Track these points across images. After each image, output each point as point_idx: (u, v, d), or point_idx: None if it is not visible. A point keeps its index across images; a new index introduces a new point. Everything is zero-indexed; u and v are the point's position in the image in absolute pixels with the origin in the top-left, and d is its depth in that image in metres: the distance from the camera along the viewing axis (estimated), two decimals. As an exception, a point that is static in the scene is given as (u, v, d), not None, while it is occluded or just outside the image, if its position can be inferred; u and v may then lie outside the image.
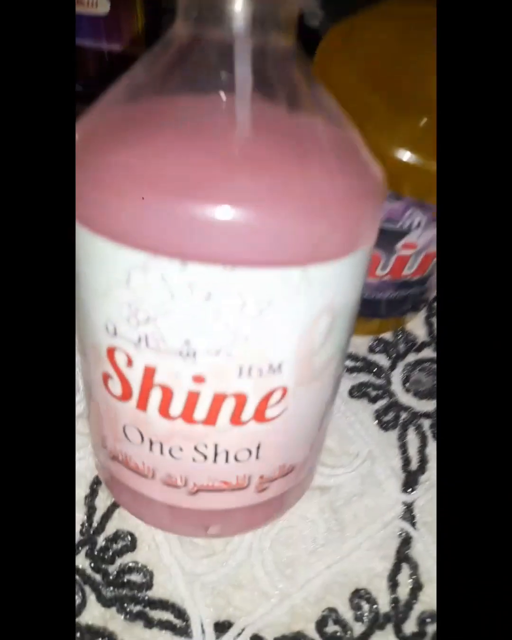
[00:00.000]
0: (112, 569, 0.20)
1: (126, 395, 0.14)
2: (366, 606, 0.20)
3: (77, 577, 0.20)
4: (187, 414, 0.14)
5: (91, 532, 0.20)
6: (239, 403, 0.14)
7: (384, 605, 0.20)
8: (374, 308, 0.22)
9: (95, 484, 0.21)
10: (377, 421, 0.24)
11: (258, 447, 0.15)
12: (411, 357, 0.26)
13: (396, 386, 0.25)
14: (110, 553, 0.20)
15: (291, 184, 0.11)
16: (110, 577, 0.20)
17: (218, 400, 0.13)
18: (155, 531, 0.20)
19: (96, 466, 0.20)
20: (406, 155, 0.16)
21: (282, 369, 0.13)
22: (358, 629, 0.19)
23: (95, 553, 0.20)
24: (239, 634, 0.19)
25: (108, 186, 0.11)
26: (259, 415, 0.14)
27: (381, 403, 0.24)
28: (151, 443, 0.15)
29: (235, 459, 0.15)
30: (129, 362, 0.13)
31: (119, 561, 0.20)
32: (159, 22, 0.29)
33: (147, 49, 0.13)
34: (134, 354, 0.13)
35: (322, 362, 0.14)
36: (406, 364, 0.25)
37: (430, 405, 0.24)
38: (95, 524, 0.21)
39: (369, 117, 0.15)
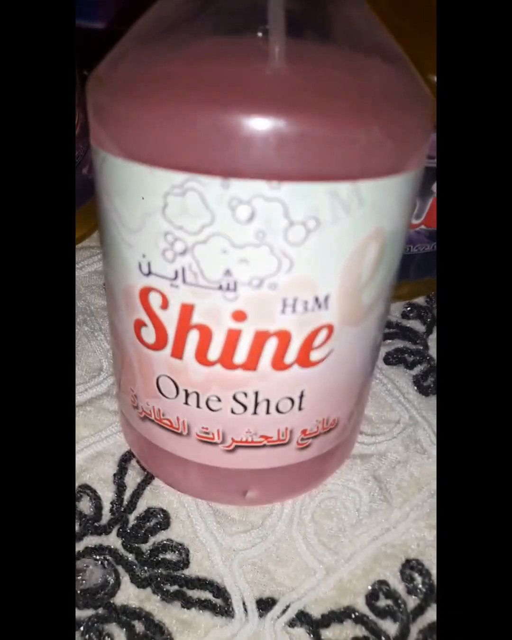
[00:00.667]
0: (146, 547, 0.19)
1: (161, 342, 0.14)
2: (418, 578, 0.19)
3: (109, 557, 0.19)
4: (226, 358, 0.13)
5: (122, 510, 0.20)
6: (282, 343, 0.13)
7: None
8: (407, 265, 0.21)
9: (124, 461, 0.21)
10: (416, 387, 0.23)
11: (301, 396, 0.14)
12: None
13: (434, 351, 0.24)
14: (143, 531, 0.19)
15: (340, 90, 0.10)
16: (144, 557, 0.19)
17: (260, 340, 0.13)
18: (189, 507, 0.20)
19: (126, 439, 0.20)
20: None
21: (329, 303, 0.13)
22: (412, 602, 0.19)
23: (128, 532, 0.19)
24: (284, 611, 0.18)
25: (139, 100, 0.11)
26: (303, 358, 0.13)
27: (419, 368, 0.24)
28: (186, 394, 0.14)
29: (277, 409, 0.14)
30: (164, 304, 0.13)
31: (152, 539, 0.19)
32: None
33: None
34: (170, 292, 0.13)
35: (370, 299, 0.13)
36: None
37: None
38: (125, 502, 0.20)
39: (403, 42, 0.14)
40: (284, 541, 0.19)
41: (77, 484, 0.20)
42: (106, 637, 0.17)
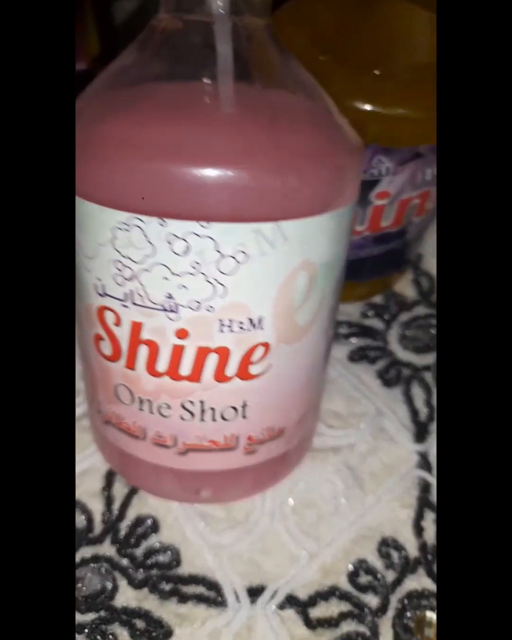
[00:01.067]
0: (139, 552, 0.21)
1: (116, 354, 0.15)
2: (395, 554, 0.21)
3: (105, 564, 0.21)
4: (173, 370, 0.15)
5: (113, 520, 0.21)
6: (222, 358, 0.15)
7: (412, 550, 0.21)
8: (358, 269, 0.23)
9: (110, 475, 0.22)
10: (380, 380, 0.25)
11: (244, 406, 0.16)
12: (404, 317, 0.27)
13: (394, 345, 0.26)
14: (135, 538, 0.21)
15: (260, 142, 0.12)
16: (138, 561, 0.21)
17: (201, 355, 0.15)
18: (176, 511, 0.21)
19: (95, 442, 0.21)
20: (366, 105, 0.17)
21: (263, 324, 0.14)
22: (390, 575, 0.20)
23: (120, 539, 0.21)
24: (273, 596, 0.20)
25: (93, 155, 0.13)
26: (243, 371, 0.15)
27: (382, 363, 0.26)
28: (141, 401, 0.16)
29: (222, 417, 0.16)
30: (117, 321, 0.15)
31: (144, 544, 0.21)
32: (114, 44, 0.30)
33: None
34: (122, 311, 0.14)
35: (305, 321, 0.15)
36: (401, 323, 0.27)
37: (430, 358, 0.26)
38: (115, 512, 0.21)
39: (322, 76, 0.16)
40: (268, 533, 0.21)
41: None
42: (110, 636, 0.19)
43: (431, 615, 0.20)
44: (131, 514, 0.21)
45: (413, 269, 0.29)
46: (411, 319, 0.27)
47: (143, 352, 0.15)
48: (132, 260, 0.13)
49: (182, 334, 0.14)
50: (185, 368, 0.15)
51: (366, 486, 0.22)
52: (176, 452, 0.17)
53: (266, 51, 0.13)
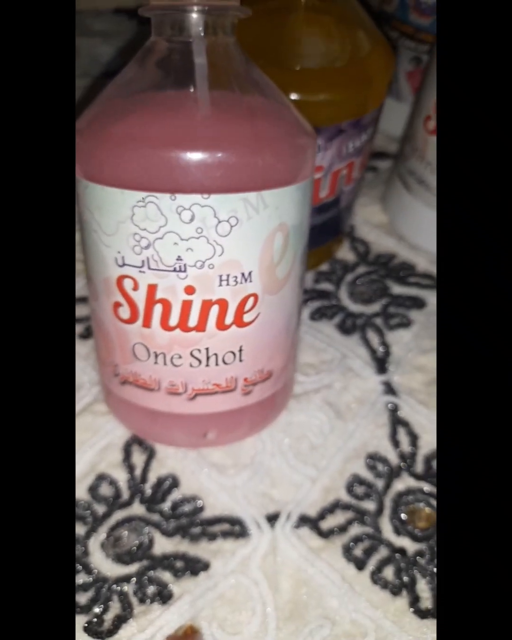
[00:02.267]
0: (166, 506, 0.24)
1: (134, 316, 0.20)
2: (380, 465, 0.26)
3: (139, 522, 0.24)
4: (183, 323, 0.19)
5: (137, 483, 0.25)
6: (222, 309, 0.19)
7: (393, 459, 0.26)
8: None
9: (128, 446, 0.26)
10: (339, 331, 0.31)
11: (240, 350, 0.20)
12: (349, 277, 0.34)
13: (345, 301, 0.33)
14: (160, 494, 0.25)
15: (242, 133, 0.17)
16: (167, 514, 0.24)
17: (206, 307, 0.19)
18: (191, 466, 0.25)
19: (109, 407, 0.25)
20: (293, 95, 0.23)
21: (252, 277, 0.19)
22: (380, 483, 0.26)
23: (147, 498, 0.25)
24: (288, 519, 0.24)
25: (114, 149, 0.17)
26: (238, 319, 0.20)
27: (338, 317, 0.32)
28: (156, 355, 0.20)
29: (223, 361, 0.20)
30: (135, 286, 0.19)
31: (169, 498, 0.25)
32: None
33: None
34: (139, 277, 0.19)
35: (283, 274, 0.20)
36: (347, 283, 0.33)
37: (375, 307, 0.33)
38: (138, 477, 0.25)
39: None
40: (272, 469, 0.26)
41: (93, 476, 0.25)
42: (155, 580, 0.22)
43: (420, 507, 0.25)
44: (152, 477, 0.25)
45: (349, 238, 0.36)
46: (355, 278, 0.34)
47: (158, 310, 0.19)
48: (148, 231, 0.18)
49: (189, 290, 0.19)
50: (193, 320, 0.19)
51: (345, 416, 0.28)
52: (186, 398, 0.21)
53: (236, 62, 0.18)
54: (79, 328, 0.30)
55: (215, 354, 0.20)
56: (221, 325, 0.20)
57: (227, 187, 0.17)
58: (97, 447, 0.26)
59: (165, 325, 0.19)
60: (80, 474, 0.25)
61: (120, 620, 0.22)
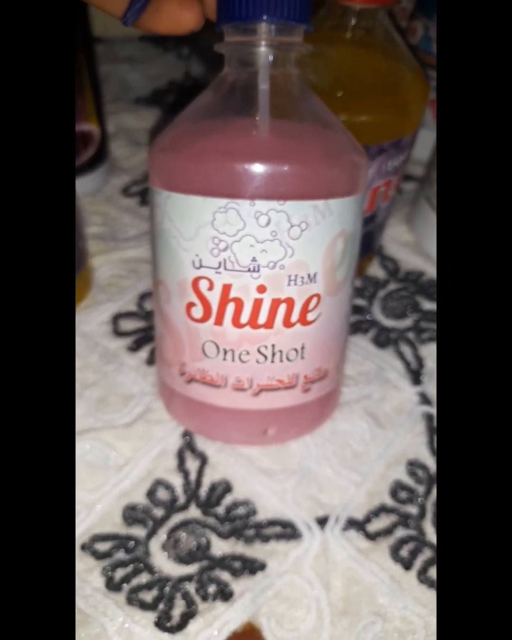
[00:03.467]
0: (220, 510, 0.27)
1: (207, 315, 0.22)
2: (420, 471, 0.28)
3: (196, 525, 0.26)
4: (253, 320, 0.22)
5: (193, 488, 0.27)
6: (289, 307, 0.22)
7: (432, 465, 0.29)
8: None
9: (181, 453, 0.28)
10: (374, 344, 0.34)
11: (302, 348, 0.23)
12: (381, 293, 0.37)
13: (378, 316, 0.35)
14: (214, 499, 0.27)
15: (313, 149, 0.20)
16: (221, 517, 0.26)
17: (275, 305, 0.21)
18: (243, 471, 0.27)
19: (168, 409, 0.28)
20: (342, 116, 0.26)
21: (317, 279, 0.22)
22: (421, 488, 0.28)
23: (203, 502, 0.27)
24: (336, 522, 0.26)
25: (202, 162, 0.20)
26: (303, 318, 0.22)
27: (373, 332, 0.35)
28: (225, 352, 0.22)
29: (287, 358, 0.23)
30: (210, 286, 0.21)
31: (223, 503, 0.27)
32: (100, 98, 0.39)
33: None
34: (215, 277, 0.21)
35: (342, 277, 0.22)
36: (380, 299, 0.36)
37: (408, 322, 0.35)
38: (193, 483, 0.27)
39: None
40: (319, 474, 0.28)
41: (150, 481, 0.27)
42: (215, 579, 0.24)
43: None
44: (206, 482, 0.27)
45: (378, 256, 0.39)
46: (387, 294, 0.37)
47: (230, 308, 0.22)
48: (227, 235, 0.20)
49: (261, 289, 0.21)
50: (262, 317, 0.22)
51: (384, 424, 0.30)
52: (251, 394, 0.23)
53: (300, 90, 0.21)
54: (127, 341, 0.33)
55: (280, 351, 0.23)
56: (287, 323, 0.22)
57: (300, 194, 0.20)
58: (152, 454, 0.28)
59: (236, 322, 0.22)
60: (137, 479, 0.27)
61: (187, 617, 0.23)
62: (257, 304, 0.21)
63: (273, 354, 0.23)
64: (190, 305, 0.22)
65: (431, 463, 0.28)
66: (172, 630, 0.23)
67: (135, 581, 0.24)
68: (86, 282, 0.35)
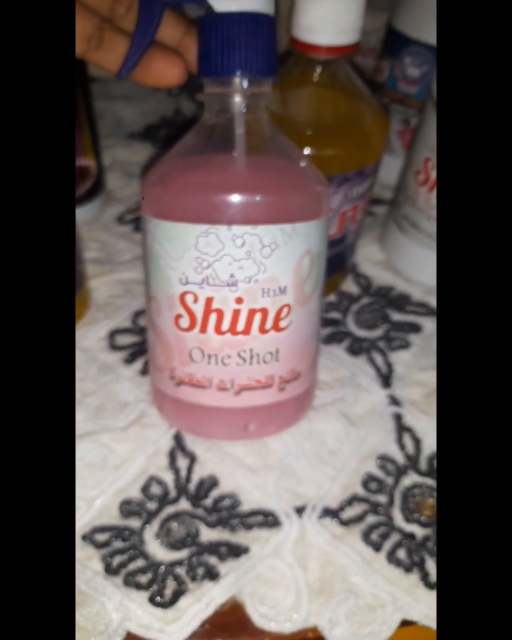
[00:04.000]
0: (208, 502, 0.30)
1: (192, 325, 0.26)
2: (389, 465, 0.32)
3: (186, 516, 0.29)
4: (233, 328, 0.25)
5: (183, 483, 0.30)
6: (264, 316, 0.25)
7: (400, 459, 0.32)
8: None
9: (172, 452, 0.32)
10: (347, 352, 0.37)
11: (277, 351, 0.27)
12: (354, 307, 0.40)
13: (352, 327, 0.39)
14: (203, 492, 0.30)
15: (280, 182, 0.24)
16: (209, 508, 0.30)
17: (251, 315, 0.25)
18: (228, 468, 0.31)
19: (160, 411, 0.31)
20: (307, 150, 0.30)
21: (287, 291, 0.25)
22: (390, 480, 0.31)
23: (192, 495, 0.30)
24: (313, 510, 0.30)
25: (186, 194, 0.24)
26: (276, 325, 0.26)
27: (346, 342, 0.38)
28: (209, 357, 0.26)
29: (264, 360, 0.26)
30: (195, 299, 0.25)
31: (211, 495, 0.30)
32: (96, 134, 0.43)
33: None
34: (199, 291, 0.25)
35: (309, 290, 0.26)
36: (353, 312, 0.40)
37: (379, 332, 0.39)
38: (182, 479, 0.31)
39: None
40: (297, 469, 0.31)
41: (145, 478, 0.30)
42: (203, 563, 0.28)
43: (425, 498, 0.31)
44: (195, 477, 0.31)
45: (353, 274, 0.43)
46: (360, 308, 0.41)
47: (213, 318, 0.25)
48: (209, 255, 0.24)
49: (239, 300, 0.25)
50: (241, 325, 0.25)
51: (357, 424, 0.34)
52: (233, 393, 0.27)
53: (269, 131, 0.25)
54: (123, 354, 0.36)
55: (258, 354, 0.26)
56: (262, 330, 0.26)
57: (270, 220, 0.24)
58: (146, 454, 0.31)
59: (218, 330, 0.26)
60: (133, 476, 0.31)
61: (178, 594, 0.26)
62: (236, 313, 0.25)
63: (251, 357, 0.26)
64: (178, 316, 0.26)
65: (400, 457, 0.32)
66: (164, 605, 0.26)
67: (131, 566, 0.27)
68: (85, 302, 0.38)
